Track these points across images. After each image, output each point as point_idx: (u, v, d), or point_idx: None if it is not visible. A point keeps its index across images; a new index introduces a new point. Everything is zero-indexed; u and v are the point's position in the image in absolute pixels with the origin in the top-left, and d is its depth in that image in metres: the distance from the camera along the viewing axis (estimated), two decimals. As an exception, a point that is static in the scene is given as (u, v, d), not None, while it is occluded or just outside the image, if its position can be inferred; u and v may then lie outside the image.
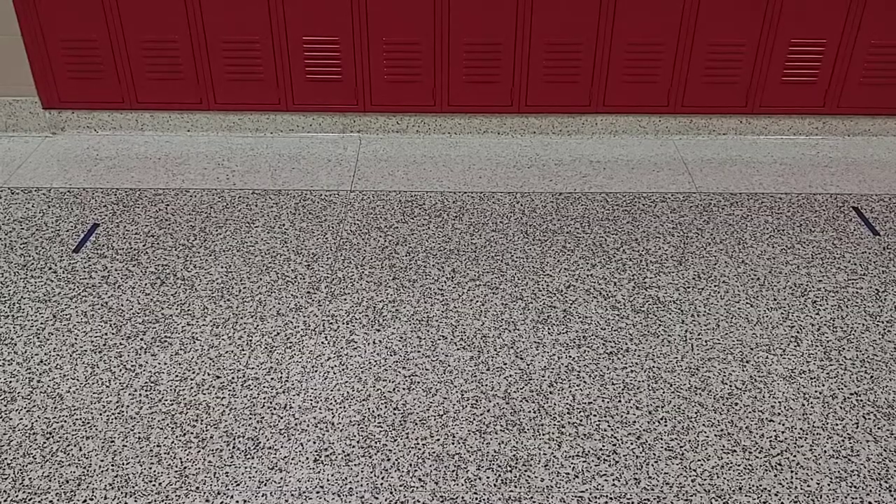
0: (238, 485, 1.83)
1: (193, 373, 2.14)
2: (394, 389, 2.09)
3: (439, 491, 1.81)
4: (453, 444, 1.93)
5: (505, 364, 2.17)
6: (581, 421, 1.99)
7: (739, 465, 1.88)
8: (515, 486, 1.82)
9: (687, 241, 2.68)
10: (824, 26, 3.09)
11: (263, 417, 2.00)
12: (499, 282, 2.48)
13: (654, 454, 1.91)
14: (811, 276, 2.52)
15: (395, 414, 2.01)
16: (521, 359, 2.19)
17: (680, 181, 3.03)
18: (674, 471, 1.86)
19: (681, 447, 1.92)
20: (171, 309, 2.37)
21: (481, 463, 1.88)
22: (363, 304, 2.38)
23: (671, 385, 2.10)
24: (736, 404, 2.05)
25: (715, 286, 2.46)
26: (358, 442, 1.94)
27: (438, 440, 1.94)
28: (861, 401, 2.06)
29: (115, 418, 2.00)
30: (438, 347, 2.23)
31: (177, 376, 2.13)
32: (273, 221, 2.78)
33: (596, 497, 1.80)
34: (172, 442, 1.93)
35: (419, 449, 1.92)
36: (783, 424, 1.99)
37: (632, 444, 1.93)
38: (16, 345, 2.23)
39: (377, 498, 1.80)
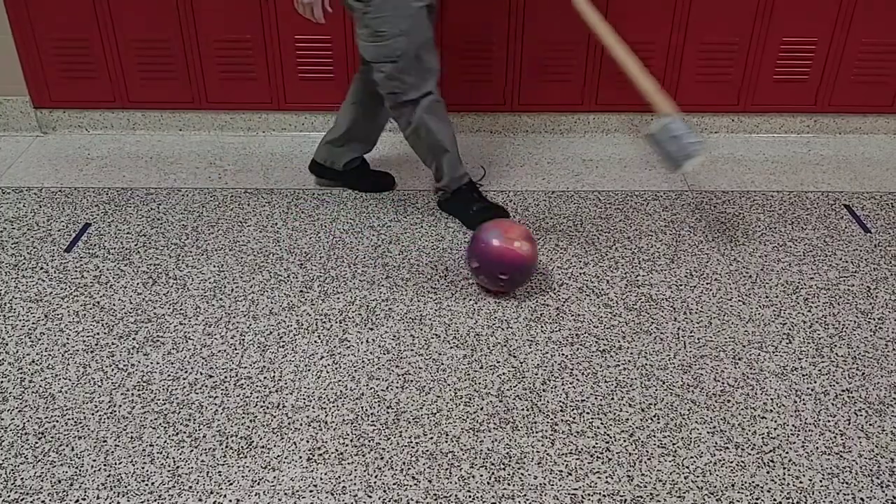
0: (231, 484, 1.83)
1: (186, 372, 2.13)
2: (387, 388, 2.09)
3: (433, 489, 1.81)
4: (447, 442, 1.93)
5: (498, 362, 2.17)
6: (574, 418, 2.00)
7: (732, 462, 1.88)
8: (509, 484, 1.83)
9: (679, 239, 2.69)
10: (816, 24, 3.10)
11: (256, 416, 2.00)
12: (492, 280, 2.48)
13: (647, 451, 1.91)
14: (803, 273, 2.53)
15: (388, 412, 2.01)
16: (515, 357, 2.19)
17: (672, 179, 3.04)
18: (666, 468, 1.87)
19: (673, 444, 1.93)
20: (163, 308, 2.36)
21: (475, 461, 1.88)
22: (356, 303, 2.38)
23: (664, 382, 2.11)
24: (728, 401, 2.05)
25: (707, 284, 2.47)
26: (351, 440, 1.93)
27: (432, 438, 1.94)
28: (853, 397, 2.07)
29: (108, 418, 1.99)
30: (432, 346, 2.23)
31: (169, 376, 2.12)
32: (265, 220, 2.77)
33: (589, 494, 1.80)
34: (165, 441, 1.93)
35: (412, 447, 1.92)
36: (775, 421, 2.00)
37: (625, 441, 1.94)
38: (7, 345, 2.22)
39: (370, 496, 1.80)
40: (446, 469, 1.86)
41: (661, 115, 2.38)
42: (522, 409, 2.02)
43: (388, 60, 2.41)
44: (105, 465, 1.87)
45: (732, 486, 1.83)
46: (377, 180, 2.95)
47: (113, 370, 2.14)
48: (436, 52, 2.51)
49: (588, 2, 2.35)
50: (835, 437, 1.95)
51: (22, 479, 1.83)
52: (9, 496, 1.79)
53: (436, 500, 1.79)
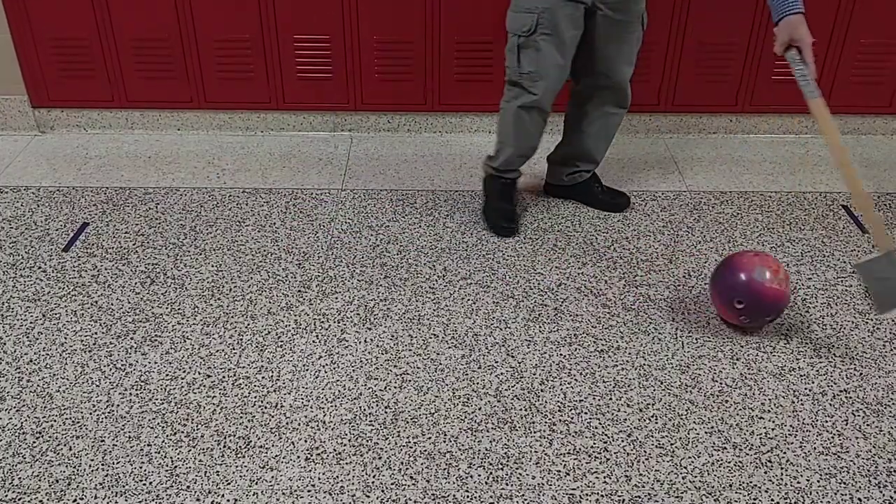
0: (229, 484, 1.82)
1: (184, 372, 2.13)
2: (385, 388, 2.08)
3: (431, 489, 1.81)
4: (445, 442, 1.93)
5: (496, 362, 2.17)
6: (572, 418, 2.00)
7: (730, 462, 1.88)
8: (507, 484, 1.83)
9: (677, 240, 2.69)
10: (815, 25, 3.09)
11: (254, 416, 2.00)
12: (490, 280, 2.48)
13: (645, 451, 1.91)
14: (801, 273, 2.53)
15: (386, 412, 2.01)
16: (513, 357, 2.19)
17: (670, 179, 3.04)
18: (664, 468, 1.87)
19: (671, 444, 1.93)
20: (161, 308, 2.36)
21: (473, 461, 1.88)
22: (354, 303, 2.38)
23: (662, 382, 2.11)
24: (726, 402, 2.05)
25: (705, 284, 2.47)
26: (349, 440, 1.93)
27: (430, 438, 1.94)
28: (850, 398, 2.07)
29: (106, 417, 1.99)
30: (430, 346, 2.23)
31: (167, 375, 2.12)
32: (264, 220, 2.77)
33: (587, 494, 1.80)
34: (163, 441, 1.93)
35: (411, 447, 1.92)
36: (773, 422, 2.00)
37: (623, 441, 1.94)
38: (5, 344, 2.22)
39: (368, 496, 1.80)
40: (444, 469, 1.86)
41: (877, 248, 2.18)
42: (520, 409, 2.02)
43: (514, 33, 2.43)
44: (103, 464, 1.87)
45: (730, 486, 1.83)
46: (609, 199, 2.86)
47: (111, 370, 2.14)
48: (562, 63, 2.45)
49: (828, 109, 2.21)
50: (832, 438, 1.95)
51: (20, 478, 1.83)
52: (6, 496, 1.78)
53: (434, 499, 1.79)
